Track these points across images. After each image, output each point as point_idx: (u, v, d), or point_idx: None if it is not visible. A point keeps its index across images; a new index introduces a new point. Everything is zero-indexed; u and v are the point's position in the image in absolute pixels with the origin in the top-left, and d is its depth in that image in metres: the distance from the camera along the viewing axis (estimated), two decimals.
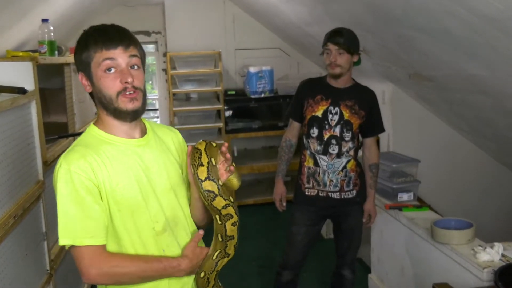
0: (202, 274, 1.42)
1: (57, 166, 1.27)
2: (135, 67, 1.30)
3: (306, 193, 2.54)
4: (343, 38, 2.40)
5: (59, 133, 2.77)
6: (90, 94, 1.35)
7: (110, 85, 1.27)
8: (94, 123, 1.37)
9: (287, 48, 5.32)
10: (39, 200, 2.25)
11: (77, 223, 1.24)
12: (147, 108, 1.37)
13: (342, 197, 2.52)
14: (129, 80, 1.27)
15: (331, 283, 2.79)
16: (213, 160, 1.35)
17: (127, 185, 1.30)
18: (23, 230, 2.05)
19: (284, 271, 2.67)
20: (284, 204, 2.65)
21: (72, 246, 1.25)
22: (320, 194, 2.52)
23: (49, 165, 2.40)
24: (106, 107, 1.31)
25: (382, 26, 2.76)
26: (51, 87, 3.04)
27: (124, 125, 1.34)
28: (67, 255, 2.69)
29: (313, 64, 5.25)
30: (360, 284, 3.21)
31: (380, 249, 3.09)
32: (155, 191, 1.36)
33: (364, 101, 2.50)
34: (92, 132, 1.35)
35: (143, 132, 1.40)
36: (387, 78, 3.64)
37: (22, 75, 2.20)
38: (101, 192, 1.27)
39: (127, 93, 1.28)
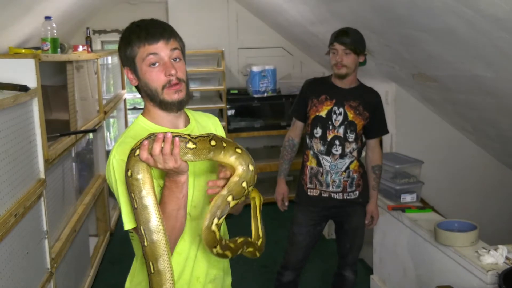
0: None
1: (111, 157, 1.33)
2: (177, 59, 1.35)
3: (309, 193, 2.53)
4: (350, 38, 2.38)
5: (61, 130, 2.75)
6: (136, 87, 1.41)
7: (155, 79, 1.33)
8: (142, 114, 1.44)
9: (290, 47, 5.31)
10: (40, 198, 2.24)
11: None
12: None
13: (345, 197, 2.51)
14: (173, 72, 1.32)
15: (332, 284, 2.78)
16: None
17: None
18: (24, 229, 2.05)
19: (285, 271, 2.65)
20: (286, 203, 2.65)
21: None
22: (323, 195, 2.51)
23: (51, 163, 2.39)
24: (152, 99, 1.37)
25: (386, 26, 2.74)
26: (53, 84, 3.03)
27: (169, 115, 1.39)
28: (68, 253, 2.69)
29: (316, 63, 5.23)
30: (362, 285, 3.20)
31: (382, 250, 3.08)
32: (199, 178, 1.41)
33: (368, 102, 2.48)
34: (141, 122, 1.41)
35: (187, 121, 1.46)
36: (391, 78, 3.63)
37: (24, 72, 2.20)
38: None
39: (171, 86, 1.33)
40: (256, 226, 1.47)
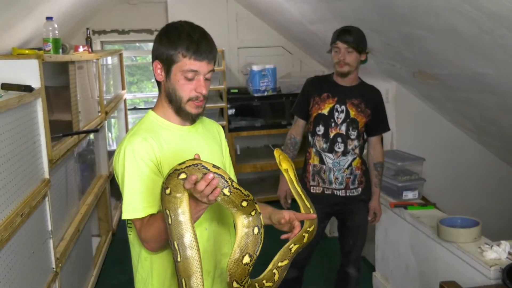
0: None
1: (122, 147, 1.38)
2: (208, 79, 1.43)
3: (311, 190, 2.54)
4: (353, 37, 2.40)
5: (63, 131, 2.76)
6: (158, 81, 1.45)
7: (186, 90, 1.40)
8: (152, 110, 1.49)
9: (290, 46, 5.32)
10: (44, 198, 2.25)
11: (140, 199, 1.36)
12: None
13: (347, 194, 2.52)
14: (204, 92, 1.41)
15: (335, 281, 2.79)
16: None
17: None
18: (30, 228, 2.05)
19: (288, 268, 2.66)
20: (289, 201, 2.66)
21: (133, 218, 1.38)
22: (325, 192, 2.52)
23: (55, 163, 2.39)
24: (171, 102, 1.43)
25: (388, 24, 2.75)
26: (54, 85, 3.03)
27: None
28: (72, 253, 2.69)
29: (316, 62, 5.24)
30: (365, 282, 3.21)
31: (385, 247, 3.09)
32: None
33: (370, 99, 2.50)
34: (151, 117, 1.47)
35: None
36: (391, 76, 3.64)
37: (28, 73, 2.20)
38: (160, 171, 1.40)
39: (197, 101, 1.42)
40: (303, 203, 1.44)
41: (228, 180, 1.19)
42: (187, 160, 1.19)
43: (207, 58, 1.38)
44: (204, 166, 1.17)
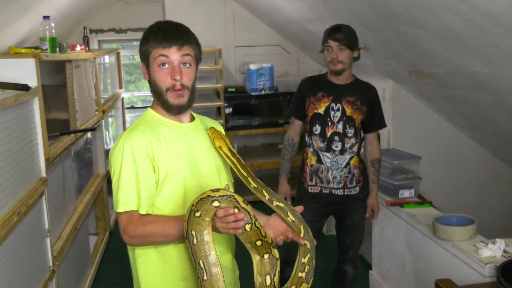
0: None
1: (120, 141, 1.41)
2: (187, 65, 1.44)
3: (309, 190, 2.55)
4: (343, 34, 2.41)
5: (60, 130, 2.76)
6: (148, 81, 1.50)
7: (162, 80, 1.42)
8: (150, 107, 1.53)
9: (287, 45, 5.32)
10: (41, 196, 2.25)
11: (133, 193, 1.38)
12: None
13: (346, 193, 2.53)
14: (178, 77, 1.41)
15: (332, 279, 2.80)
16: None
17: (179, 161, 1.44)
18: (27, 227, 2.06)
19: (287, 267, 2.66)
20: (289, 203, 2.66)
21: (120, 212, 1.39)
22: (324, 191, 2.53)
23: (52, 161, 2.40)
24: (157, 96, 1.47)
25: (384, 23, 2.76)
26: (50, 84, 3.03)
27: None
28: (69, 252, 2.70)
29: (313, 61, 5.25)
30: (361, 280, 3.22)
31: (381, 245, 3.11)
32: (201, 170, 1.48)
33: (365, 96, 2.51)
34: (150, 114, 1.51)
35: (192, 119, 1.56)
36: (388, 75, 3.65)
37: (25, 71, 2.21)
38: (155, 166, 1.41)
39: (174, 90, 1.42)
40: (239, 172, 1.46)
41: (253, 217, 1.25)
42: (220, 189, 1.24)
43: (175, 44, 1.40)
44: (236, 200, 1.23)
